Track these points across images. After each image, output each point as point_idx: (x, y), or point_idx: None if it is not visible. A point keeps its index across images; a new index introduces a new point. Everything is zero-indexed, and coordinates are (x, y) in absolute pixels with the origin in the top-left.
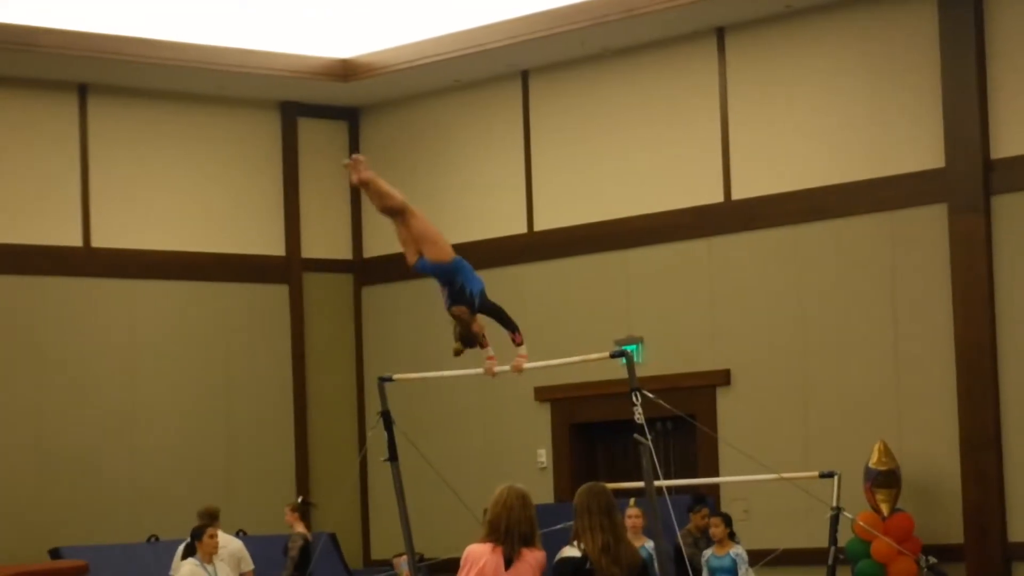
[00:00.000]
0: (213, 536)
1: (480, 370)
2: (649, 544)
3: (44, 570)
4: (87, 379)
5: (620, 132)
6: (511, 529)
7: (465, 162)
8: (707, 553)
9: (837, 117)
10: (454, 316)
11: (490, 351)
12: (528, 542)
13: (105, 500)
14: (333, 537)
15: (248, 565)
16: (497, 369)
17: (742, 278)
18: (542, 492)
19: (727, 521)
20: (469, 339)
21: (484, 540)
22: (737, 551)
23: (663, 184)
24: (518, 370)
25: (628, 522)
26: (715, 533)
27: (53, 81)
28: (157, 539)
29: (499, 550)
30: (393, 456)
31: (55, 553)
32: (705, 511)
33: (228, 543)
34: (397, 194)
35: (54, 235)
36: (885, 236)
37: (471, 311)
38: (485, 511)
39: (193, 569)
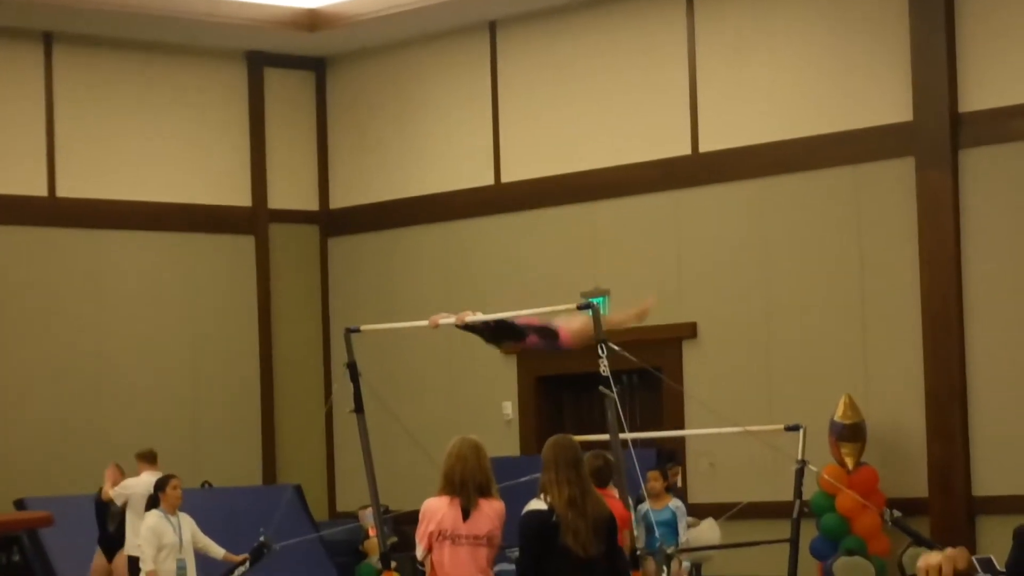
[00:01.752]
0: (176, 488)
1: (444, 321)
2: (673, 503)
3: (8, 520)
4: (52, 329)
5: (588, 84)
6: (466, 480)
7: (432, 114)
8: (644, 507)
9: (805, 70)
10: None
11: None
12: (485, 492)
13: (70, 451)
14: (298, 489)
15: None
16: (442, 321)
17: (709, 231)
18: (508, 445)
19: (664, 475)
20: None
21: (440, 493)
22: (676, 504)
23: (630, 137)
24: (461, 322)
25: (648, 486)
26: (653, 487)
27: (18, 29)
28: None
29: (456, 502)
30: (359, 408)
31: (20, 504)
32: (678, 469)
33: (136, 485)
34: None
35: (18, 185)
36: (852, 190)
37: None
38: None
39: (157, 521)
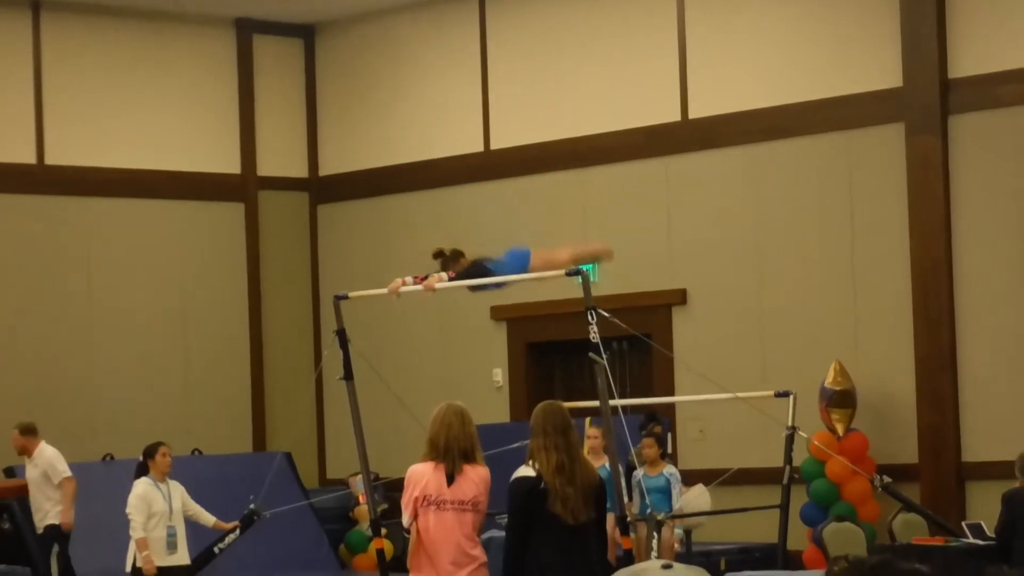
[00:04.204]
0: (165, 455)
1: (442, 285)
2: (667, 470)
3: None
4: (41, 297)
5: (578, 50)
6: (451, 446)
7: (421, 80)
8: (639, 474)
9: (795, 35)
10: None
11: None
12: (469, 458)
13: (60, 419)
14: (288, 456)
15: (58, 476)
16: (403, 289)
17: (699, 198)
18: (498, 411)
19: (659, 441)
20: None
21: (425, 459)
22: (670, 471)
23: (620, 103)
24: (431, 289)
25: (588, 443)
26: (647, 454)
27: None
28: (112, 458)
29: (441, 467)
30: (349, 375)
31: (9, 472)
32: (659, 429)
33: (44, 450)
34: None
35: (7, 152)
36: (842, 155)
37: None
38: None
39: (146, 488)
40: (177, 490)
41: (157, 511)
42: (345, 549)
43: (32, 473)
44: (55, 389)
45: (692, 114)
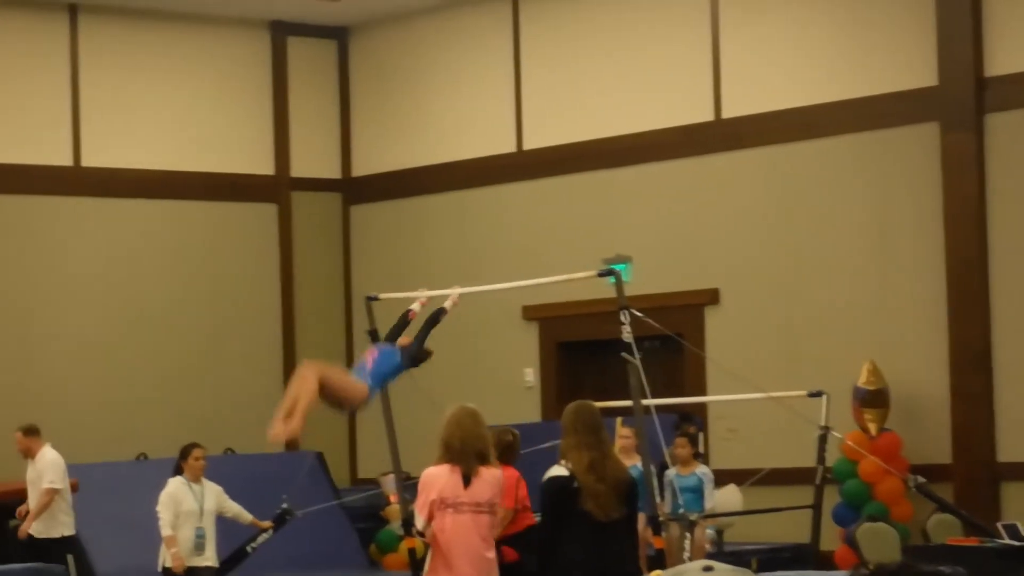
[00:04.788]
0: (198, 458)
1: (467, 289)
2: (639, 463)
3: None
4: (76, 297)
5: (610, 50)
6: (466, 448)
7: (454, 81)
8: (671, 473)
9: (829, 34)
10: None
11: None
12: (484, 459)
13: (94, 419)
14: (320, 456)
15: (45, 482)
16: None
17: (731, 197)
18: (529, 411)
19: (692, 441)
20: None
21: (440, 462)
22: (703, 470)
23: (653, 103)
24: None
25: (619, 442)
26: (680, 453)
27: (44, 1)
28: (145, 457)
29: (457, 469)
30: None
31: None
32: (693, 429)
33: (46, 453)
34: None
35: (44, 154)
36: (876, 154)
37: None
38: None
39: (177, 488)
40: (212, 492)
41: (186, 510)
42: (376, 548)
43: (32, 475)
44: (88, 388)
45: (725, 114)
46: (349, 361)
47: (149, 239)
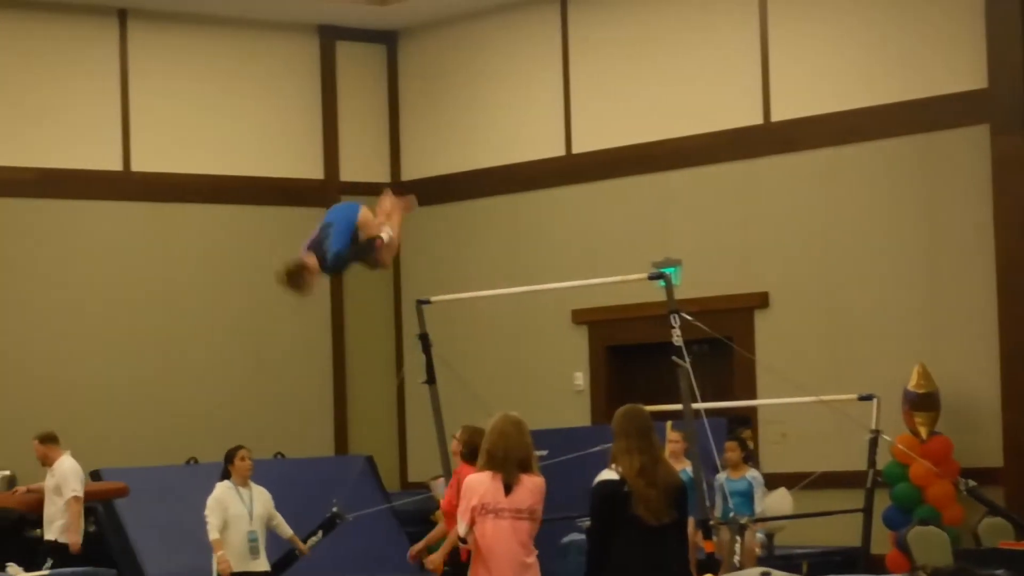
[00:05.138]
0: (244, 459)
1: (519, 288)
2: (689, 468)
3: (85, 491)
4: (125, 301)
5: (659, 53)
6: (509, 455)
7: (503, 85)
8: (721, 477)
9: (878, 37)
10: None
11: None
12: (526, 467)
13: (144, 423)
14: (370, 460)
15: (69, 492)
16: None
17: (781, 200)
18: (579, 415)
19: (742, 445)
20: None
21: (483, 468)
22: (753, 474)
23: (702, 106)
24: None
25: (669, 447)
26: (730, 457)
27: (93, 6)
28: (196, 461)
29: (499, 477)
30: (431, 378)
31: (96, 475)
32: (748, 432)
33: (63, 462)
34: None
35: (95, 159)
36: (925, 157)
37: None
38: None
39: (223, 492)
40: (261, 496)
41: (233, 514)
42: (426, 552)
43: (49, 483)
44: (139, 392)
45: (775, 117)
46: (398, 363)
47: (198, 244)
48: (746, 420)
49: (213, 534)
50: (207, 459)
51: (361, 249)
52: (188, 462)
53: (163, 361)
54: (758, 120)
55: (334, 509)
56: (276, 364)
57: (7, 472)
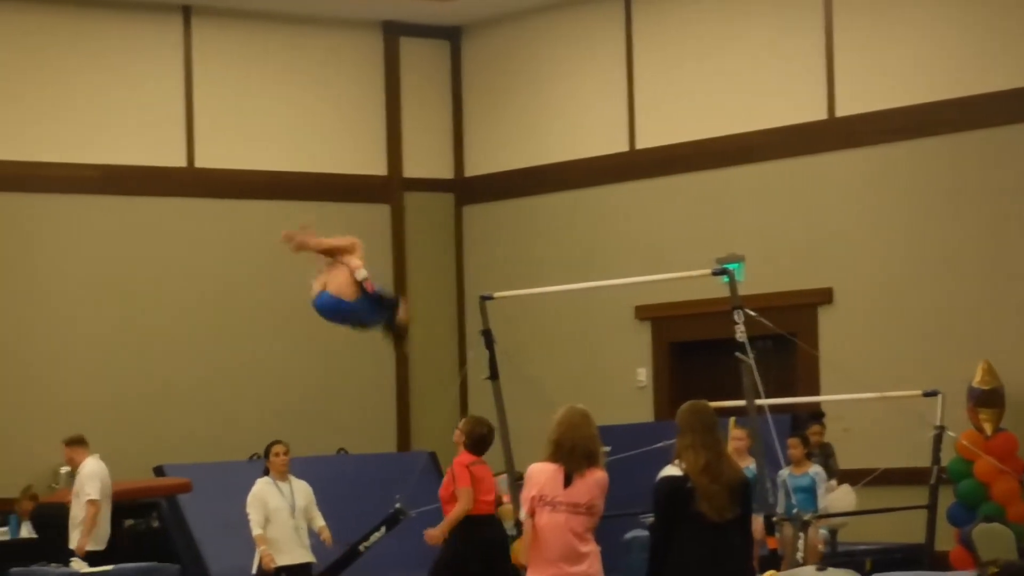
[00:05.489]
0: (279, 454)
1: (582, 284)
2: (753, 465)
3: (149, 487)
4: (189, 299)
5: (723, 48)
6: (576, 448)
7: (566, 80)
8: (784, 473)
9: (943, 31)
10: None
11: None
12: (591, 461)
13: (208, 419)
14: (433, 456)
15: (84, 495)
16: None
17: (845, 196)
18: (641, 411)
19: (804, 441)
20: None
21: (548, 459)
22: (816, 470)
23: (766, 101)
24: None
25: (732, 444)
26: (793, 454)
27: (157, 3)
28: (259, 457)
29: (561, 469)
30: (494, 374)
31: (159, 471)
32: (818, 428)
33: (87, 465)
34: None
35: (159, 155)
36: (991, 152)
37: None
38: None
39: (262, 487)
40: (303, 490)
41: (274, 508)
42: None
43: (76, 487)
44: (202, 389)
45: (839, 112)
46: (461, 359)
47: (261, 240)
48: (817, 415)
49: (256, 530)
50: None
51: (385, 307)
52: (251, 458)
53: (226, 357)
54: (822, 115)
55: (397, 505)
56: (339, 360)
57: (68, 468)
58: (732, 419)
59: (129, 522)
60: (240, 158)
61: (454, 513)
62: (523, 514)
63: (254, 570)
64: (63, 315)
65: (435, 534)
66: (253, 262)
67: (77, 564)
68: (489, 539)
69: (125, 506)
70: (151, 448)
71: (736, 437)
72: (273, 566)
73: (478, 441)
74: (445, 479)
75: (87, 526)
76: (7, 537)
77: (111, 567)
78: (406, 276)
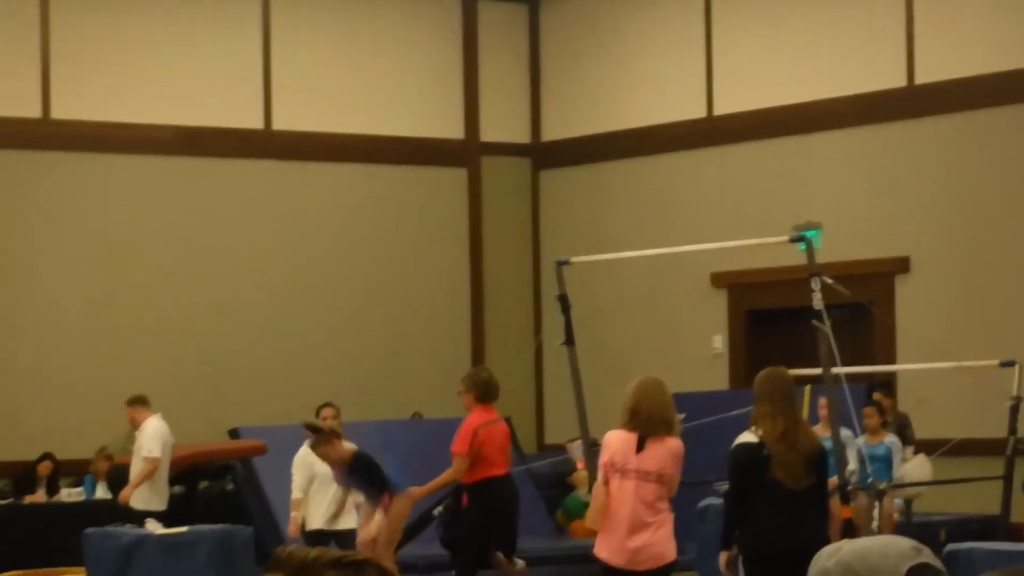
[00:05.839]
0: (326, 418)
1: (658, 251)
2: (889, 439)
3: (224, 449)
4: (264, 261)
5: (803, 14)
6: (653, 416)
7: (645, 46)
8: (859, 441)
9: None
10: None
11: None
12: (665, 429)
13: (283, 381)
14: (508, 421)
15: (142, 451)
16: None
17: (923, 164)
18: (717, 379)
19: (880, 410)
20: None
21: (623, 427)
22: (891, 439)
23: (845, 68)
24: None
25: (821, 413)
26: (869, 423)
27: None
28: (419, 416)
29: (634, 437)
30: (570, 340)
31: (234, 433)
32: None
33: (149, 423)
34: None
35: (235, 118)
36: None
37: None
38: None
39: (308, 451)
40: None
41: (321, 473)
42: (562, 515)
43: (136, 444)
44: (276, 352)
45: (918, 79)
46: (536, 324)
47: (338, 202)
48: (885, 383)
49: (294, 492)
50: (346, 418)
51: None
52: (414, 416)
53: (302, 320)
54: (901, 83)
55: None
56: (415, 323)
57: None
58: (808, 387)
59: (204, 484)
60: (317, 121)
61: (442, 478)
62: (600, 479)
63: (292, 530)
64: (140, 276)
65: (419, 495)
66: (329, 225)
67: (152, 525)
68: (505, 500)
69: (200, 469)
70: (225, 411)
71: (825, 406)
72: (298, 533)
73: (485, 386)
74: (457, 436)
75: (137, 480)
76: (82, 498)
77: (186, 528)
78: (482, 240)
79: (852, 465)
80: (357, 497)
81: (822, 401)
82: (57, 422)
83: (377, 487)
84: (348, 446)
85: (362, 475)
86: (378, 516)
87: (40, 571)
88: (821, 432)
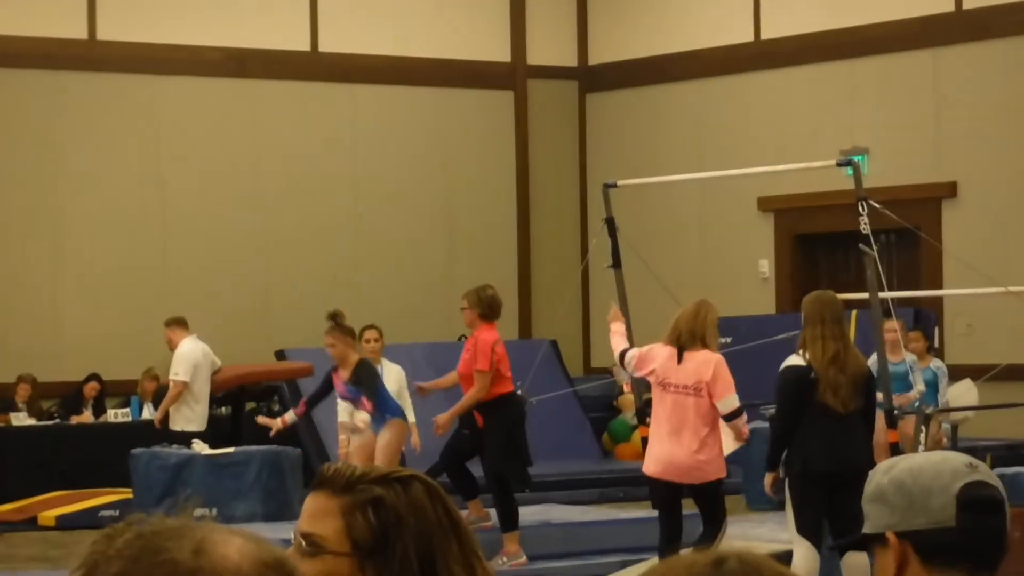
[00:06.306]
0: (368, 340)
1: (705, 174)
2: (935, 364)
3: (271, 371)
4: (312, 183)
5: None
6: (694, 332)
7: None
8: (910, 358)
9: None
10: None
11: None
12: (703, 342)
13: (332, 303)
14: (554, 344)
15: (172, 373)
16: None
17: (970, 89)
18: (763, 303)
19: (927, 335)
20: None
21: (666, 343)
22: (937, 364)
23: None
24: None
25: (887, 336)
26: (915, 348)
27: None
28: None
29: (674, 352)
30: (616, 263)
31: (280, 355)
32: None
33: (182, 345)
34: None
35: (282, 39)
36: None
37: None
38: None
39: None
40: (393, 373)
41: None
42: (608, 438)
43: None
44: (322, 275)
45: (966, 4)
46: (583, 248)
47: (383, 126)
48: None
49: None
50: (393, 340)
51: None
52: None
53: (349, 243)
54: (950, 7)
55: (518, 392)
56: (460, 247)
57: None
58: (854, 312)
59: (251, 405)
60: (364, 43)
61: (468, 398)
62: (627, 358)
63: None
64: (186, 198)
65: (444, 421)
66: (374, 148)
67: (198, 446)
68: (521, 415)
69: (247, 390)
70: (272, 332)
71: (889, 329)
72: (276, 433)
73: (491, 303)
74: (465, 356)
75: (165, 404)
76: (129, 418)
77: (232, 449)
78: (528, 164)
79: (920, 387)
80: (361, 418)
81: (890, 324)
82: (104, 343)
83: (380, 403)
84: (356, 354)
85: (366, 384)
86: (381, 438)
87: (87, 491)
88: (891, 356)
